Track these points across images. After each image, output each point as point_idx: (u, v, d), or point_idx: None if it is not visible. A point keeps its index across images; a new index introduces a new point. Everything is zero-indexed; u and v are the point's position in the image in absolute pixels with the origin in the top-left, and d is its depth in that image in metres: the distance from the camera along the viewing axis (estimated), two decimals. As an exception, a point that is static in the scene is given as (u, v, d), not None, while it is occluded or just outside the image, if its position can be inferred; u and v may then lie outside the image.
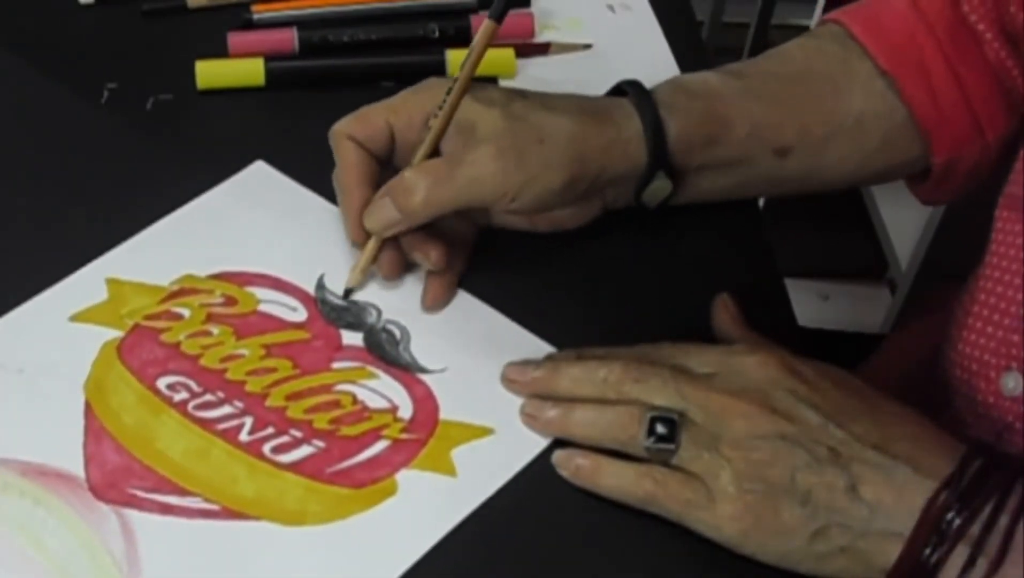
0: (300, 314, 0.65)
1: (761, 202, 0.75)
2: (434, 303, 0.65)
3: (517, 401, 0.62)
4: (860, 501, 0.54)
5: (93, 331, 0.63)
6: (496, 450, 0.60)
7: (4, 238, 0.68)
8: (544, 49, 0.82)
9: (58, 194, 0.70)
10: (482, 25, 0.62)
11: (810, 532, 0.54)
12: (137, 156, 0.73)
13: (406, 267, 0.66)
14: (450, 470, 0.59)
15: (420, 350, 0.64)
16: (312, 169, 0.70)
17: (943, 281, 0.64)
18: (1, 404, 0.60)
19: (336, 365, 0.63)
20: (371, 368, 0.63)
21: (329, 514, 0.57)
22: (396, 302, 0.66)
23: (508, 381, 0.62)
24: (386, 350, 0.64)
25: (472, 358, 0.64)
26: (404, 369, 0.63)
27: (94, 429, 0.59)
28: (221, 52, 0.78)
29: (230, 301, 0.65)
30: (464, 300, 0.67)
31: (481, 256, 0.68)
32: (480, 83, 0.64)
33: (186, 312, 0.64)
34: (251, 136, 0.69)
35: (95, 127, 0.75)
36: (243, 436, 0.60)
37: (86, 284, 0.65)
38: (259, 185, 0.71)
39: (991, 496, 0.52)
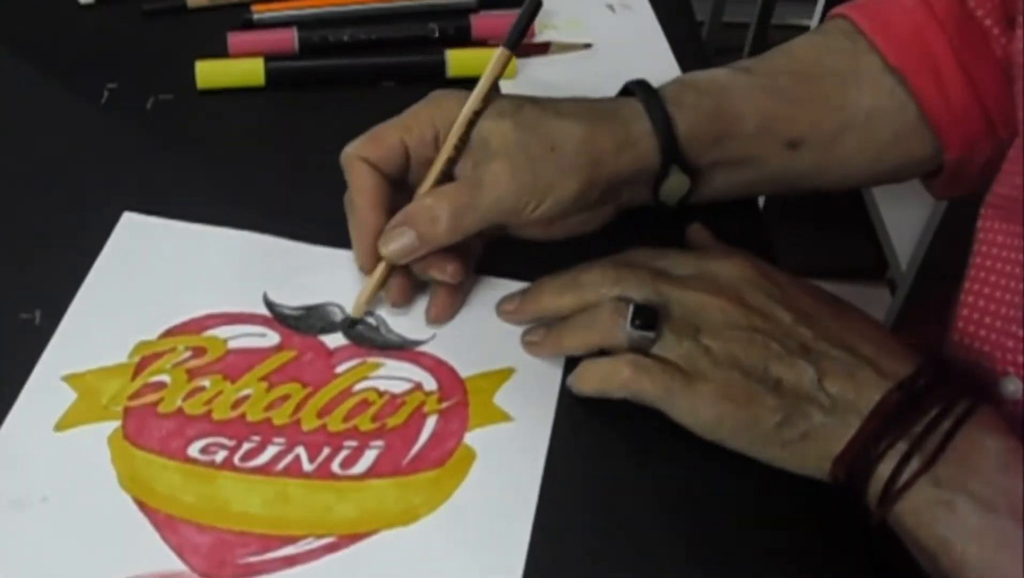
0: (272, 337, 0.63)
1: (761, 202, 0.73)
2: (439, 317, 0.64)
3: (517, 333, 0.64)
4: (824, 392, 0.56)
5: (87, 432, 0.58)
6: (527, 382, 0.62)
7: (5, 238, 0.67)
8: (544, 49, 0.81)
9: (57, 194, 0.69)
10: (497, 52, 0.62)
11: (778, 420, 0.56)
12: (137, 156, 0.72)
13: (414, 291, 0.65)
14: (504, 417, 0.61)
15: (401, 329, 0.64)
16: (312, 169, 0.69)
17: (943, 281, 0.63)
18: (56, 539, 0.54)
19: (340, 369, 0.62)
20: (372, 359, 0.62)
21: (435, 498, 0.57)
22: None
23: (504, 313, 0.64)
24: (373, 338, 0.63)
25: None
26: (400, 349, 0.63)
27: (162, 521, 0.55)
28: (221, 52, 0.78)
29: (199, 351, 0.62)
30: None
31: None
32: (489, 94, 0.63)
33: (166, 377, 0.60)
34: (251, 136, 0.67)
35: (95, 127, 0.74)
36: (306, 466, 0.58)
37: (46, 390, 0.59)
38: (140, 235, 0.67)
39: (938, 401, 0.55)
